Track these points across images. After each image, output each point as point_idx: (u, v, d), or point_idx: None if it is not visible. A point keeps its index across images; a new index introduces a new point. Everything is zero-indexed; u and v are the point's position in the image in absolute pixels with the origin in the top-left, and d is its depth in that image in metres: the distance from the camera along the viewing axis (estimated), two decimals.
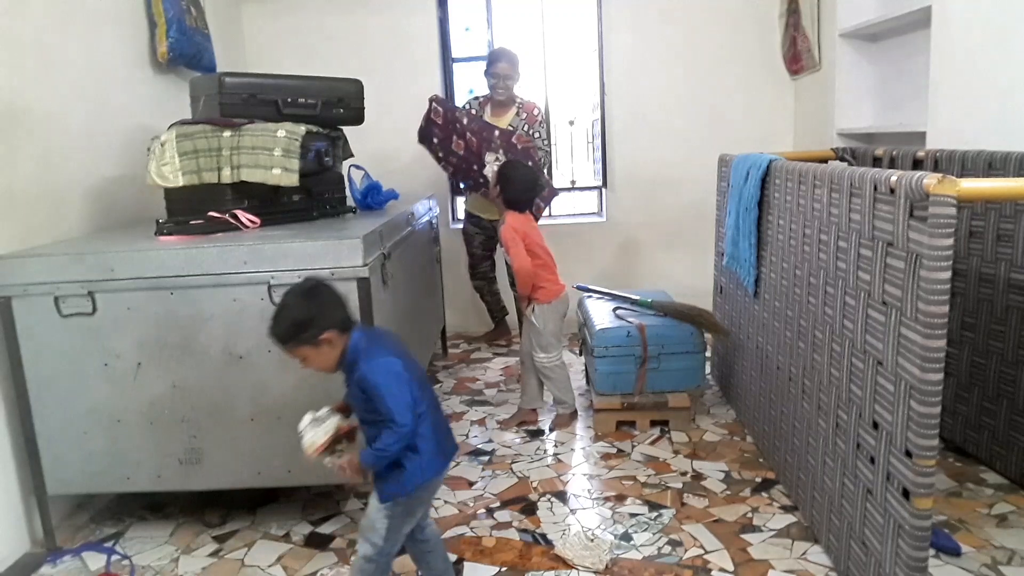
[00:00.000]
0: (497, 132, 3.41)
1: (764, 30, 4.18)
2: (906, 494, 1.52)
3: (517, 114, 3.57)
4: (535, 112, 3.58)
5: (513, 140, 3.41)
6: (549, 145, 3.67)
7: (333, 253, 2.03)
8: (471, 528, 2.23)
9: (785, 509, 2.25)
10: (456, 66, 4.37)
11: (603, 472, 2.57)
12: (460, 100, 3.82)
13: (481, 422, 3.05)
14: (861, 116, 3.51)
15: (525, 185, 2.84)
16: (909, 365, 1.50)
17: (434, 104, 3.43)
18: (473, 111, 3.63)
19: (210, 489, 2.22)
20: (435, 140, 3.46)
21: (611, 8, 4.20)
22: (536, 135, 3.55)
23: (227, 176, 2.36)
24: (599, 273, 4.29)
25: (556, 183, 4.55)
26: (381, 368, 1.56)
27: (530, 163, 3.31)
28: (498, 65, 3.49)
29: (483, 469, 2.62)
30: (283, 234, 2.21)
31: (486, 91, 3.67)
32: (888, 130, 3.21)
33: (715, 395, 3.23)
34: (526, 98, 3.64)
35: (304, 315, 1.57)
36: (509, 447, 2.79)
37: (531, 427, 2.97)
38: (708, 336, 3.00)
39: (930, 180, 1.41)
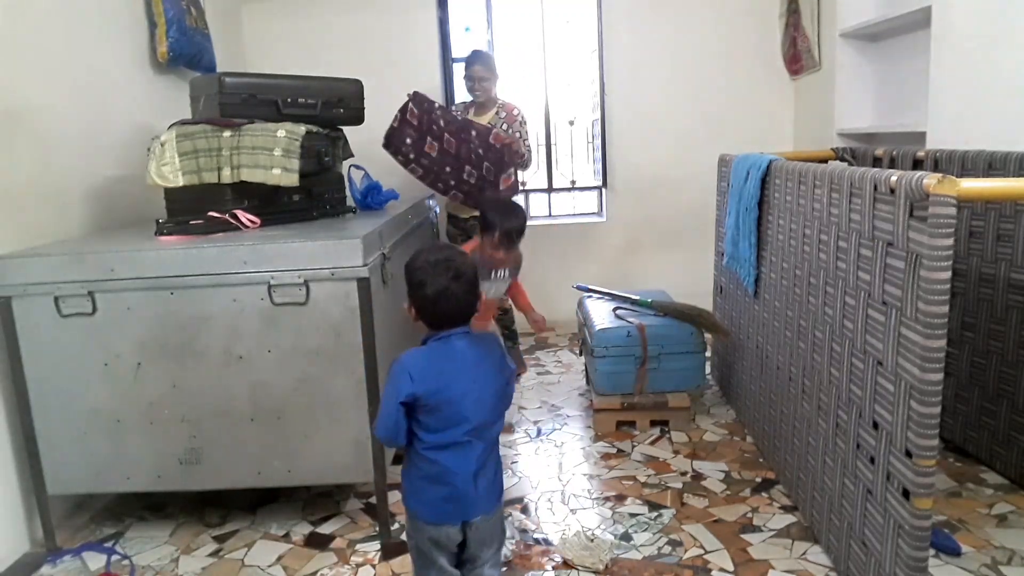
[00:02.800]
0: (475, 132, 3.33)
1: (764, 30, 4.18)
2: (906, 494, 1.52)
3: (496, 114, 3.55)
4: (514, 112, 3.56)
5: (491, 140, 3.32)
6: (528, 149, 3.59)
7: (333, 253, 2.03)
8: None
9: (785, 509, 2.25)
10: (456, 66, 4.36)
11: (603, 472, 2.57)
12: (460, 100, 3.82)
13: None
14: (861, 116, 3.51)
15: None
16: (909, 365, 1.50)
17: (411, 105, 3.27)
18: (459, 114, 3.62)
19: (210, 489, 2.22)
20: (408, 141, 3.28)
21: (611, 8, 4.20)
22: (518, 135, 3.51)
23: (227, 176, 2.36)
24: (599, 273, 4.29)
25: (556, 183, 4.57)
26: (396, 364, 1.47)
27: (506, 158, 3.27)
28: (473, 68, 3.48)
29: None
30: (283, 234, 2.21)
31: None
32: (888, 130, 3.21)
33: (715, 395, 3.23)
34: (508, 100, 3.62)
35: (412, 276, 1.51)
36: (509, 447, 2.79)
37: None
38: (708, 336, 3.00)
39: (930, 180, 1.41)
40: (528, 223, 2.63)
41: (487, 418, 1.51)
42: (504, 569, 1.99)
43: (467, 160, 3.32)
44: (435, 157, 3.32)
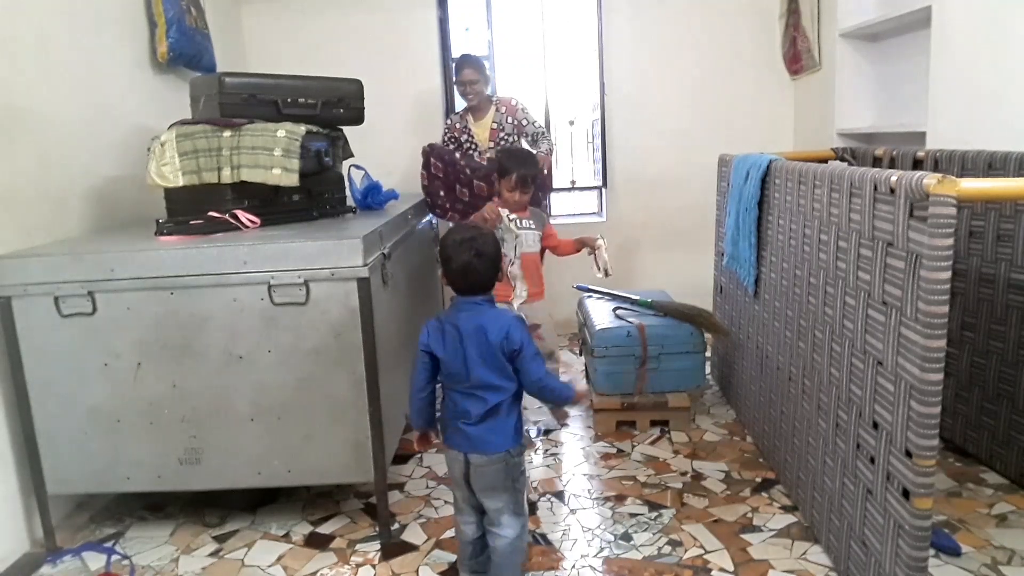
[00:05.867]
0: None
1: (764, 30, 4.18)
2: (906, 494, 1.52)
3: (497, 109, 3.57)
4: (513, 103, 3.59)
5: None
6: (547, 128, 3.62)
7: (333, 253, 2.03)
8: None
9: (785, 509, 2.25)
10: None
11: (603, 472, 2.57)
12: (459, 102, 3.82)
13: None
14: (861, 116, 3.51)
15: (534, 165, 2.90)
16: (909, 365, 1.50)
17: (432, 159, 3.20)
18: (457, 126, 3.62)
19: (210, 489, 2.22)
20: (441, 192, 3.24)
21: (611, 8, 4.20)
22: (525, 122, 3.56)
23: (227, 176, 2.36)
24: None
25: (556, 183, 4.56)
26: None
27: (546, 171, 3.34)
28: (463, 72, 3.50)
29: None
30: (283, 234, 2.21)
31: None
32: (888, 130, 3.21)
33: (715, 395, 3.23)
34: (502, 95, 3.65)
35: (442, 252, 1.82)
36: None
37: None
38: (708, 336, 3.00)
39: (930, 180, 1.41)
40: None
41: (486, 380, 1.75)
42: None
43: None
44: (468, 201, 3.25)
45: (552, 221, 4.45)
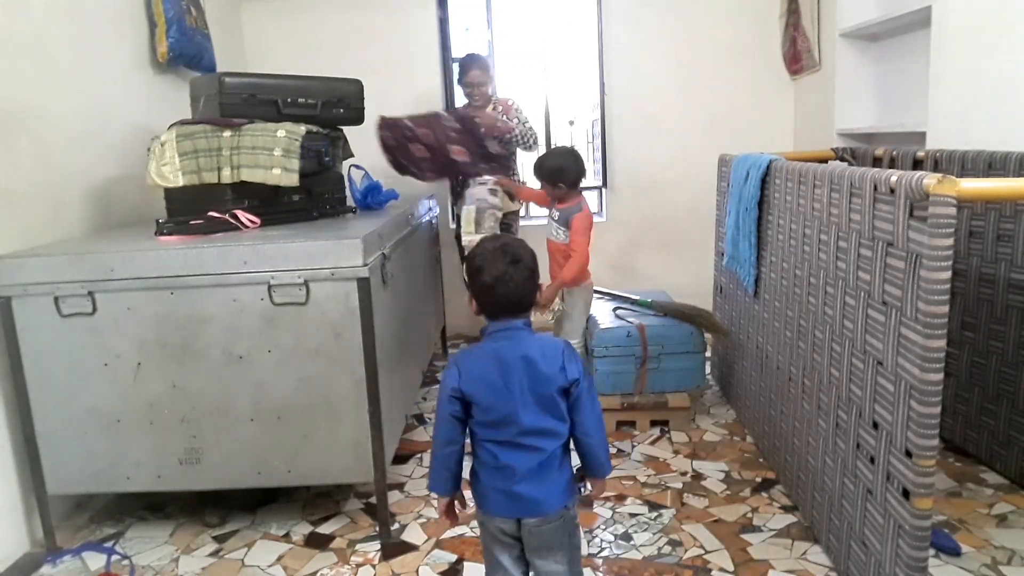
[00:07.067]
0: (446, 114, 3.49)
1: (764, 30, 4.18)
2: (906, 494, 1.52)
3: (494, 108, 3.57)
4: (509, 102, 3.59)
5: (463, 114, 3.47)
6: (530, 129, 3.62)
7: (333, 253, 2.03)
8: (471, 528, 2.23)
9: (785, 509, 2.25)
10: (456, 66, 4.36)
11: None
12: (460, 101, 3.82)
13: None
14: (861, 116, 3.51)
15: (575, 161, 2.89)
16: (909, 365, 1.50)
17: (381, 134, 3.36)
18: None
19: (210, 489, 2.22)
20: (403, 161, 3.42)
21: (611, 8, 4.20)
22: (515, 120, 3.56)
23: (227, 176, 2.36)
24: (599, 273, 4.28)
25: None
26: (451, 357, 1.57)
27: (482, 130, 3.42)
28: (470, 73, 3.49)
29: None
30: (283, 234, 2.21)
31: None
32: (888, 130, 3.21)
33: (715, 395, 3.23)
34: (502, 96, 3.66)
35: (471, 263, 1.49)
36: None
37: None
38: (708, 336, 3.00)
39: (930, 180, 1.41)
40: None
41: (539, 424, 1.44)
42: None
43: (448, 140, 3.41)
44: (428, 157, 3.44)
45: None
